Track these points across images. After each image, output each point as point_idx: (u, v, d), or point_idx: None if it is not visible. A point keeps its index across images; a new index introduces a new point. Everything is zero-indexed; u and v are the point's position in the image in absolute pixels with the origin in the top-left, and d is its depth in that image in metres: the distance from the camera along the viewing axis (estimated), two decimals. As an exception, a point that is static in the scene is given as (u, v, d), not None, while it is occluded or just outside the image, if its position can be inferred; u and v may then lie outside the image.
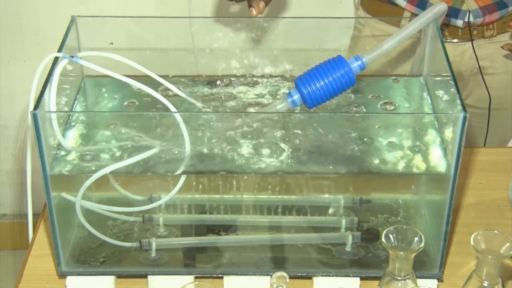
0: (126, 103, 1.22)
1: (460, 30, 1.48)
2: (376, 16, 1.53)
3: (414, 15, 1.45)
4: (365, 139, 1.13)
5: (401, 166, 1.11)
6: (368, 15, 1.56)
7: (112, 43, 1.22)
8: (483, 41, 1.50)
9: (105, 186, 1.19)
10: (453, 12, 1.26)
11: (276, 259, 1.17)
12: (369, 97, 1.23)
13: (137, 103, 1.21)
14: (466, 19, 1.45)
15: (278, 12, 1.95)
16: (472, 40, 1.48)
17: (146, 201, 1.22)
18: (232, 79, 1.27)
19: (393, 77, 1.26)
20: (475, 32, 1.48)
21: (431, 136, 1.14)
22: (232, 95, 1.24)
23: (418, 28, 1.11)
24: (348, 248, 1.17)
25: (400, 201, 1.25)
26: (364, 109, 1.21)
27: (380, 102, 1.22)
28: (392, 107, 1.21)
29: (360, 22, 1.56)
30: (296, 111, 1.13)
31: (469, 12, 1.45)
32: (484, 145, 1.60)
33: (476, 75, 1.53)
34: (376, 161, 1.10)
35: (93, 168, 1.08)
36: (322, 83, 1.08)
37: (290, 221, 1.22)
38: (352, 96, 1.23)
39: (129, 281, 1.15)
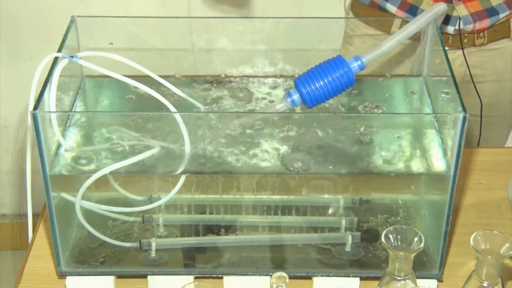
0: (127, 97, 1.22)
1: (451, 38, 1.47)
2: (367, 22, 1.51)
3: (405, 21, 1.43)
4: (365, 139, 1.13)
5: (401, 166, 1.11)
6: (357, 21, 1.54)
7: (112, 43, 1.22)
8: (474, 49, 1.50)
9: (105, 186, 1.19)
10: (443, 18, 1.26)
11: (276, 259, 1.17)
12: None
13: (135, 98, 1.21)
14: (457, 26, 1.44)
15: (278, 12, 1.95)
16: (462, 48, 1.47)
17: (146, 201, 1.22)
18: (232, 79, 1.27)
19: (388, 94, 1.26)
20: (465, 40, 1.47)
21: (431, 136, 1.14)
22: (231, 95, 1.24)
23: (418, 28, 1.11)
24: (348, 248, 1.17)
25: (400, 201, 1.25)
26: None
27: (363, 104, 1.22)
28: (380, 111, 1.21)
29: (350, 27, 1.55)
30: (295, 111, 1.13)
31: (460, 18, 1.44)
32: None
33: (467, 82, 1.52)
34: (376, 161, 1.10)
35: (93, 168, 1.08)
36: (321, 83, 1.08)
37: (290, 221, 1.22)
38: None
39: (129, 281, 1.15)
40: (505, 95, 1.59)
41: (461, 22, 1.44)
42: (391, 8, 1.47)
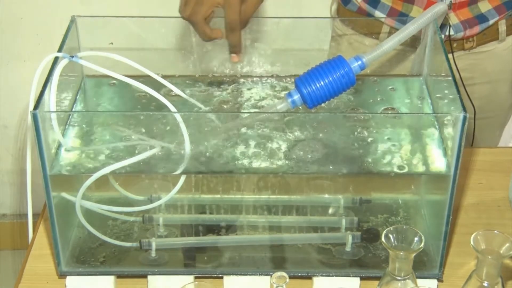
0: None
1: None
2: (355, 28, 1.49)
3: (393, 29, 1.42)
4: (365, 139, 1.13)
5: (401, 166, 1.11)
6: (344, 27, 1.53)
7: (112, 43, 1.22)
8: (463, 52, 1.48)
9: (105, 186, 1.19)
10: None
11: (276, 259, 1.17)
12: (370, 101, 1.23)
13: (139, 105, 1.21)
14: (447, 33, 1.43)
15: (278, 12, 1.95)
16: (452, 52, 1.46)
17: (146, 201, 1.22)
18: (232, 79, 1.27)
19: (390, 87, 1.26)
20: (455, 45, 1.46)
21: (431, 136, 1.14)
22: (232, 95, 1.24)
23: (418, 28, 1.11)
24: (348, 248, 1.17)
25: (400, 201, 1.25)
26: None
27: (382, 108, 1.22)
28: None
29: (337, 33, 1.53)
30: (296, 111, 1.13)
31: (450, 26, 1.43)
32: None
33: (458, 86, 1.51)
34: (376, 161, 1.10)
35: (93, 168, 1.08)
36: (322, 83, 1.08)
37: (290, 221, 1.22)
38: (352, 97, 1.23)
39: (129, 281, 1.15)
40: (495, 97, 1.58)
41: (451, 30, 1.43)
42: (380, 15, 1.45)
